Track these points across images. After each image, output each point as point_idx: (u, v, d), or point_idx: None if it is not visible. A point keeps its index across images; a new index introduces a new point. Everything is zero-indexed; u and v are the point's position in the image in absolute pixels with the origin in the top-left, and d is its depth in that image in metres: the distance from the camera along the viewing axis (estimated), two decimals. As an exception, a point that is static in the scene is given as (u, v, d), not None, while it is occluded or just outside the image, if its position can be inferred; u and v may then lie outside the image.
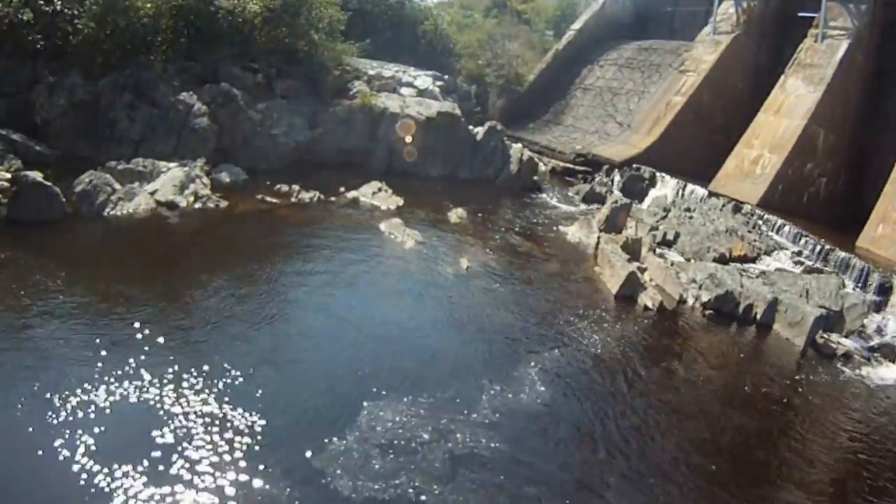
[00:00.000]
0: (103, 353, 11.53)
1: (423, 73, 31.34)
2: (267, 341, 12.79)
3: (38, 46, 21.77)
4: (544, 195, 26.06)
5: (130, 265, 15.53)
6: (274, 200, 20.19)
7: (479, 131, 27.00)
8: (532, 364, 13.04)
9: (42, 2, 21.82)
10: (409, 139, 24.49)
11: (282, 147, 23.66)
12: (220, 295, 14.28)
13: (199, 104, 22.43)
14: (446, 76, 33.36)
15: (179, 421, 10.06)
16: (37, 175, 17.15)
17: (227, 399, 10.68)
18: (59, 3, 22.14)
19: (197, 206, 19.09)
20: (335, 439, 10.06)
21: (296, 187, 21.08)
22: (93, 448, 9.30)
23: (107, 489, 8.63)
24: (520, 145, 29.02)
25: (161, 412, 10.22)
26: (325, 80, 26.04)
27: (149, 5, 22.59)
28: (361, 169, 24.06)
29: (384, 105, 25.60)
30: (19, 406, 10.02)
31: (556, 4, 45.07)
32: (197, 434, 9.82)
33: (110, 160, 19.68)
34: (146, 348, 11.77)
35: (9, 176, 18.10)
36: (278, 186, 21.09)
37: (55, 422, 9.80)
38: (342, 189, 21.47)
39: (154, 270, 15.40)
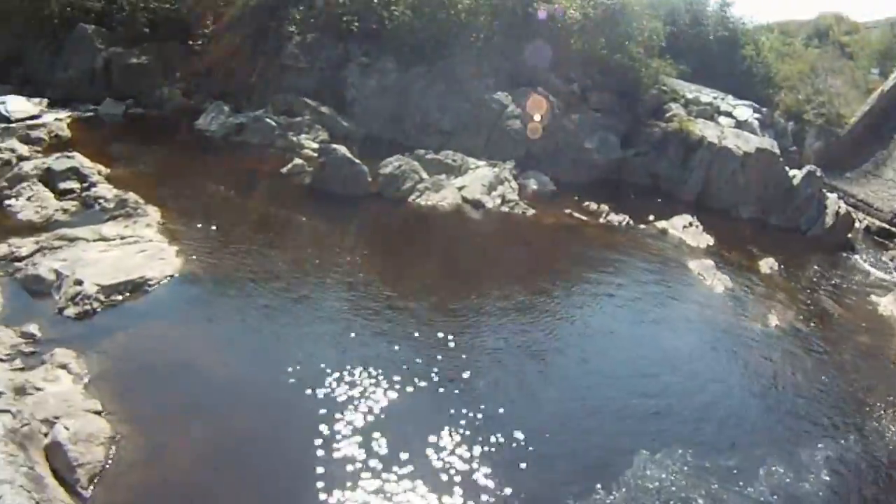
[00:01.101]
0: (373, 343, 11.04)
1: (741, 103, 28.00)
2: (540, 367, 11.44)
3: (352, 28, 21.88)
4: (857, 256, 21.95)
5: (427, 257, 14.90)
6: (582, 217, 18.33)
7: (797, 175, 23.55)
8: (822, 450, 10.92)
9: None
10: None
11: (593, 162, 21.71)
12: (505, 307, 12.94)
13: (513, 106, 21.00)
14: (764, 109, 30.16)
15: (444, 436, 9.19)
16: (345, 150, 16.82)
17: (485, 423, 9.61)
18: None
19: (503, 209, 17.61)
20: (601, 489, 8.92)
21: (605, 207, 19.06)
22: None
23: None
24: (835, 196, 24.99)
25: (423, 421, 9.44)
26: (641, 97, 23.85)
27: (467, 1, 21.77)
28: (669, 197, 21.66)
29: (702, 133, 23.09)
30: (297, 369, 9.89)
31: (879, 38, 40.16)
32: (449, 458, 8.88)
33: (417, 147, 19.01)
34: (412, 344, 11.18)
35: (316, 146, 18.40)
36: (587, 203, 19.15)
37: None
38: (651, 217, 19.28)
39: (449, 267, 14.51)
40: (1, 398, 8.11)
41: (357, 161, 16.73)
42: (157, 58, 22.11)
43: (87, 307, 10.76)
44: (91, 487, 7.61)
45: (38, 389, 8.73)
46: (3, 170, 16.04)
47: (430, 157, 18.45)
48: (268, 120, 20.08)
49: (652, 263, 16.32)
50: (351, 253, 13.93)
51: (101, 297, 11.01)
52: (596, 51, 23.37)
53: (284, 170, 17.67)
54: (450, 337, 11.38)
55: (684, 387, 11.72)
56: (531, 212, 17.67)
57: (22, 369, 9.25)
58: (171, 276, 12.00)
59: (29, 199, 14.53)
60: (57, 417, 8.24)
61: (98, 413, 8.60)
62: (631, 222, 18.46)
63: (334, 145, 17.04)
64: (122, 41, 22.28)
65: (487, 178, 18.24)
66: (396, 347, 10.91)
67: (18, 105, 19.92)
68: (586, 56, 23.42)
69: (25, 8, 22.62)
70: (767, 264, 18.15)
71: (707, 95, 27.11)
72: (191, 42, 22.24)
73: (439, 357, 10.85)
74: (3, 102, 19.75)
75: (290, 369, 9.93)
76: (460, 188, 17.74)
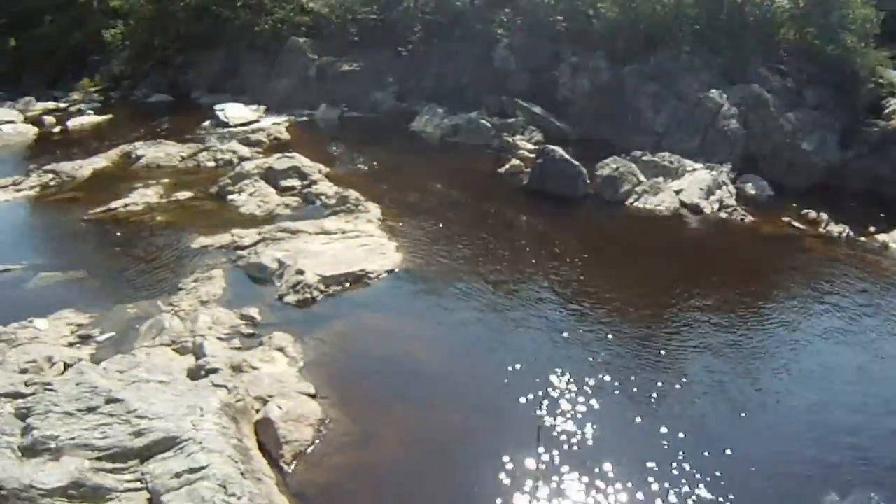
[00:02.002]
0: (584, 349, 10.21)
1: None
2: (750, 388, 9.78)
3: (561, 28, 21.33)
4: None
5: (644, 264, 13.63)
6: (801, 226, 16.02)
7: None
8: None
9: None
10: None
11: (812, 165, 19.21)
12: (720, 322, 11.40)
13: (728, 104, 19.29)
14: None
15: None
16: (562, 151, 16.20)
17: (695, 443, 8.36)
18: None
19: (721, 215, 15.99)
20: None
21: (824, 216, 16.33)
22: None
23: None
24: None
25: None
26: (859, 92, 20.90)
27: None
28: (891, 204, 18.59)
29: None
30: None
31: None
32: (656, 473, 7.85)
33: (631, 148, 17.87)
34: (624, 352, 10.24)
35: (531, 146, 18.19)
36: (806, 211, 16.63)
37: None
38: (872, 228, 16.42)
39: (665, 275, 13.17)
40: (219, 374, 8.25)
41: (576, 162, 16.05)
42: (367, 65, 22.73)
43: (307, 295, 10.83)
44: (294, 464, 7.61)
45: (254, 368, 8.80)
46: (226, 169, 16.49)
47: (647, 159, 17.27)
48: (482, 121, 19.89)
49: (875, 284, 13.78)
50: (568, 255, 13.22)
51: (322, 287, 11.06)
52: (807, 41, 21.19)
53: (502, 170, 17.39)
54: (662, 351, 10.30)
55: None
56: (749, 219, 15.94)
57: (239, 349, 9.41)
58: (391, 271, 11.89)
59: (251, 194, 15.00)
60: (271, 396, 8.24)
61: (311, 396, 8.53)
62: (851, 234, 15.83)
63: (552, 146, 16.48)
64: (333, 50, 23.12)
65: (706, 181, 16.80)
66: (608, 354, 10.06)
67: (236, 111, 20.97)
68: (798, 48, 21.33)
69: (239, 27, 24.34)
70: None
71: (929, 87, 23.48)
72: (399, 49, 22.65)
73: (651, 368, 9.86)
74: (223, 109, 20.79)
75: (500, 368, 9.43)
76: (678, 192, 16.44)
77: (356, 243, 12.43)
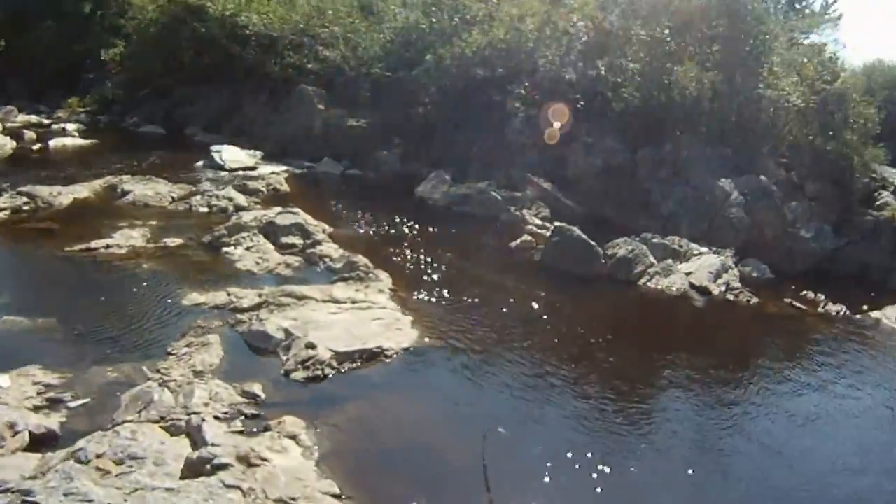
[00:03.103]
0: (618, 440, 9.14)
1: None
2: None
3: (578, 106, 20.83)
4: None
5: (661, 343, 13.00)
6: (801, 306, 16.31)
7: None
8: None
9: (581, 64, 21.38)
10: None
11: (808, 251, 19.62)
12: (733, 399, 10.92)
13: (736, 193, 19.26)
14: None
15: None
16: (579, 231, 15.54)
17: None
18: (603, 68, 21.15)
19: (728, 297, 15.79)
20: None
21: (821, 296, 16.91)
22: None
23: None
24: None
25: None
26: (853, 186, 21.72)
27: (693, 84, 20.31)
28: (879, 286, 19.03)
29: None
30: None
31: None
32: None
33: (637, 229, 17.64)
34: (655, 439, 9.35)
35: (539, 222, 17.78)
36: (804, 292, 17.02)
37: None
38: (865, 307, 16.78)
39: (679, 354, 12.49)
40: (228, 471, 6.76)
41: (592, 242, 15.34)
42: (375, 123, 21.75)
43: (318, 372, 9.32)
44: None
45: (265, 460, 7.21)
46: (220, 216, 15.18)
47: (657, 242, 16.98)
48: (493, 193, 18.85)
49: (866, 356, 13.98)
50: (589, 336, 12.27)
51: (334, 363, 9.57)
52: (806, 138, 21.60)
53: (513, 244, 16.33)
54: (682, 438, 9.51)
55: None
56: (754, 300, 15.82)
57: (242, 432, 7.85)
58: (407, 349, 10.47)
59: (249, 248, 13.65)
60: (293, 499, 6.70)
61: (336, 497, 6.99)
62: (848, 312, 16.27)
63: (568, 225, 15.71)
64: (342, 104, 22.05)
65: (715, 265, 16.74)
66: (639, 441, 9.20)
67: (233, 154, 19.80)
68: (798, 143, 21.65)
69: (247, 67, 22.91)
70: None
71: (916, 180, 24.03)
72: (410, 111, 21.74)
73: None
74: (219, 151, 19.58)
75: (531, 459, 8.30)
76: (688, 274, 16.22)
77: (368, 316, 10.97)
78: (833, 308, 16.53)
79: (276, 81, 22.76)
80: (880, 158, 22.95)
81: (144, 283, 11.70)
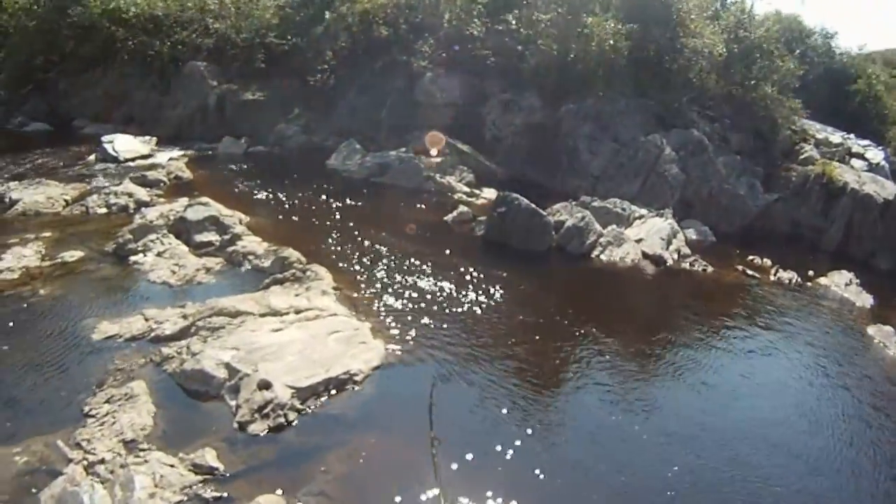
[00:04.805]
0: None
1: (870, 144, 24.57)
2: None
3: (489, 62, 19.27)
4: None
5: (632, 320, 11.96)
6: (755, 274, 15.41)
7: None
8: None
9: (487, 20, 19.81)
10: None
11: (744, 209, 18.78)
12: (715, 382, 9.99)
13: (668, 149, 17.94)
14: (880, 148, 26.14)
15: None
16: (527, 201, 13.81)
17: None
18: (515, 22, 19.55)
19: (683, 265, 14.50)
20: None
21: (768, 262, 16.27)
22: None
23: None
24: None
25: None
26: (776, 139, 21.09)
27: (606, 36, 18.86)
28: (810, 247, 18.83)
29: (843, 178, 19.73)
30: None
31: None
32: None
33: (566, 191, 16.66)
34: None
35: (466, 189, 16.49)
36: (751, 258, 16.29)
37: None
38: (811, 272, 16.24)
39: (655, 327, 11.67)
40: None
41: (543, 213, 13.69)
42: (273, 94, 19.38)
43: (280, 419, 7.27)
44: None
45: None
46: (121, 216, 12.83)
47: (598, 205, 15.45)
48: (415, 161, 17.00)
49: (827, 328, 13.28)
50: (565, 326, 10.74)
51: (297, 404, 7.56)
52: (726, 89, 20.89)
53: (450, 218, 14.53)
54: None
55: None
56: (710, 269, 14.75)
57: None
58: (377, 367, 8.52)
59: (160, 254, 11.37)
60: None
61: None
62: (798, 280, 15.56)
63: (514, 194, 13.88)
64: (236, 78, 19.62)
65: (664, 230, 15.37)
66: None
67: (127, 144, 17.23)
68: (722, 94, 20.87)
69: (131, 49, 20.49)
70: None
71: (836, 136, 23.88)
72: (309, 78, 19.39)
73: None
74: (111, 141, 17.00)
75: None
76: (638, 241, 14.84)
77: (322, 329, 8.89)
78: (784, 276, 15.87)
79: (163, 62, 19.99)
80: (799, 111, 22.49)
81: (44, 316, 9.19)
